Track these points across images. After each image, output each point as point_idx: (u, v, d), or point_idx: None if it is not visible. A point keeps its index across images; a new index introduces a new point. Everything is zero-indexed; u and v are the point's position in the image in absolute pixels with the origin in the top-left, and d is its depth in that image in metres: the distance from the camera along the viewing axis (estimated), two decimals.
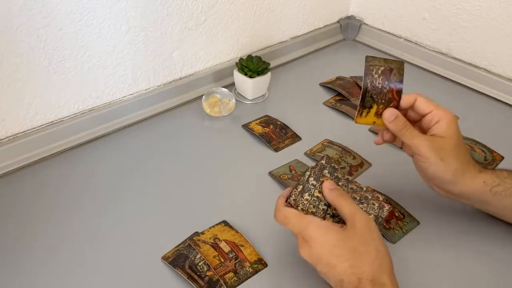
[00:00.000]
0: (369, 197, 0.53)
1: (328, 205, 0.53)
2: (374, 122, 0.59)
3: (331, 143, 0.79)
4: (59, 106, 0.75)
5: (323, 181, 0.53)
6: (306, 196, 0.53)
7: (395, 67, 0.57)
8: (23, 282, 0.56)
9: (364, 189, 0.54)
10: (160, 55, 0.84)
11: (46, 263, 0.58)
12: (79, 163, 0.74)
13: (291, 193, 0.53)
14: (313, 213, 0.52)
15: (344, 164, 0.74)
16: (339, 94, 0.94)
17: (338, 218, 0.53)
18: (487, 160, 0.76)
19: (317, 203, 0.53)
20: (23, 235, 0.62)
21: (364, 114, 0.58)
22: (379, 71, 0.57)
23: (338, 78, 0.99)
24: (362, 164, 0.75)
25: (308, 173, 0.54)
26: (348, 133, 0.83)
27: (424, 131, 0.58)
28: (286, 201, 0.54)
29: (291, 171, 0.73)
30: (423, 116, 0.58)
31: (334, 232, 0.49)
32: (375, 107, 0.57)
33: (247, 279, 0.56)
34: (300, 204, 0.53)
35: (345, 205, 0.50)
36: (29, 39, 0.67)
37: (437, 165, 0.55)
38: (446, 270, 0.59)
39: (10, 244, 0.60)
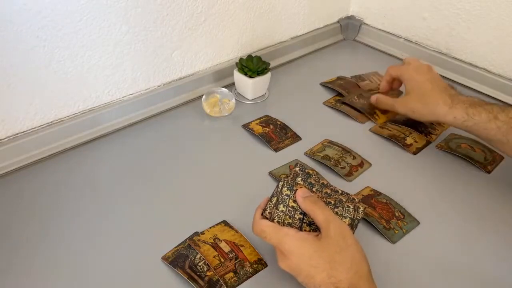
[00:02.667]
0: (344, 200, 0.54)
1: (304, 214, 0.53)
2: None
3: (331, 143, 0.79)
4: (59, 106, 0.75)
5: (296, 190, 0.53)
6: (281, 207, 0.53)
7: None
8: (23, 282, 0.56)
9: (339, 192, 0.55)
10: (160, 55, 0.84)
11: (46, 263, 0.58)
12: (79, 163, 0.74)
13: (266, 205, 0.54)
14: (289, 224, 0.53)
15: (344, 164, 0.74)
16: (339, 94, 0.94)
17: (315, 226, 0.53)
18: (487, 160, 0.76)
19: (292, 213, 0.53)
20: (23, 235, 0.61)
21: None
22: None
23: (338, 78, 0.99)
24: (362, 164, 0.75)
25: (281, 183, 0.54)
26: (348, 133, 0.83)
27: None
28: (262, 214, 0.54)
29: (291, 171, 0.73)
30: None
31: (310, 243, 0.49)
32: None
33: (247, 279, 0.56)
34: (276, 217, 0.53)
35: (320, 214, 0.51)
36: (29, 39, 0.67)
37: (414, 114, 0.77)
38: (446, 270, 0.59)
39: (10, 244, 0.60)
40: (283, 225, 0.53)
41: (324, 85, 0.97)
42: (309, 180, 0.54)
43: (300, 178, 0.55)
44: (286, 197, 0.54)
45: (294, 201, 0.53)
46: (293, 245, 0.50)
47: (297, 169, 0.55)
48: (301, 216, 0.53)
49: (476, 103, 0.69)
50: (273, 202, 0.54)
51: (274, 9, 0.99)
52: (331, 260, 0.48)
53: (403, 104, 0.78)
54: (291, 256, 0.50)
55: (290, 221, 0.53)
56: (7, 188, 0.69)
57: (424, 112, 0.74)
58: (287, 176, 0.54)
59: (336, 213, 0.53)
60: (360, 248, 0.50)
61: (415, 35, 1.07)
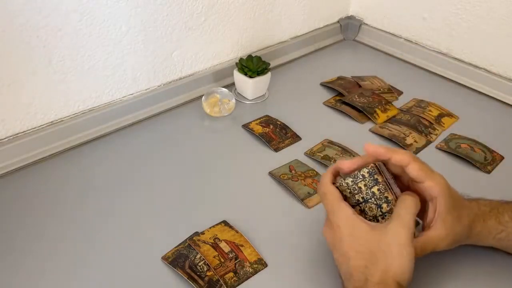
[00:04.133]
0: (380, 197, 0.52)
1: (366, 200, 0.52)
2: None
3: (331, 143, 0.79)
4: (59, 106, 0.75)
5: (377, 179, 0.52)
6: (348, 180, 0.52)
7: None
8: (23, 282, 0.56)
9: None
10: (160, 55, 0.84)
11: (46, 263, 0.58)
12: (79, 163, 0.74)
13: (341, 176, 0.53)
14: (345, 197, 0.52)
15: None
16: (339, 94, 0.94)
17: (369, 216, 0.52)
18: (487, 160, 0.76)
19: (356, 191, 0.52)
20: (23, 235, 0.61)
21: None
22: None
23: (339, 78, 0.99)
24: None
25: (367, 169, 0.52)
26: (348, 133, 0.83)
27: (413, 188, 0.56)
28: (334, 183, 0.53)
29: (291, 171, 0.73)
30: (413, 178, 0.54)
31: (362, 230, 0.49)
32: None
33: (247, 279, 0.56)
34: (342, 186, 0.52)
35: (400, 207, 0.50)
36: (29, 39, 0.67)
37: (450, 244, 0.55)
38: (446, 270, 0.59)
39: (10, 244, 0.60)
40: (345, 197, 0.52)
41: (324, 85, 0.97)
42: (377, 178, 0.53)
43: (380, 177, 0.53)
44: (361, 177, 0.52)
45: (365, 185, 0.52)
46: (345, 223, 0.49)
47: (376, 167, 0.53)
48: (361, 200, 0.52)
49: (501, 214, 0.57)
50: (350, 178, 0.52)
51: (274, 9, 0.99)
52: (375, 254, 0.47)
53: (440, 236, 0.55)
54: (338, 231, 0.49)
55: (349, 195, 0.52)
56: (7, 188, 0.69)
57: (458, 238, 0.56)
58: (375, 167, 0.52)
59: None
60: (408, 254, 0.48)
61: (415, 35, 1.07)
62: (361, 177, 0.52)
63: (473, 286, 0.58)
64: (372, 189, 0.52)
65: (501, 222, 0.56)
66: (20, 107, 0.71)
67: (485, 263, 0.59)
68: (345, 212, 0.50)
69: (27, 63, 0.68)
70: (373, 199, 0.52)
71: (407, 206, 0.50)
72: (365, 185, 0.52)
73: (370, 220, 0.52)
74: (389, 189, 0.52)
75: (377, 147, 0.53)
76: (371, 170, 0.52)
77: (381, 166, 0.53)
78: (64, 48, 0.71)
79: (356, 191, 0.52)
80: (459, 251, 0.60)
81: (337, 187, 0.52)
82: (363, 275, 0.47)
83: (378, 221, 0.52)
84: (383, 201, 0.52)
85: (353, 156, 0.76)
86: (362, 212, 0.53)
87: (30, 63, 0.68)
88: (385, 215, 0.52)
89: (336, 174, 0.55)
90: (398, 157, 0.52)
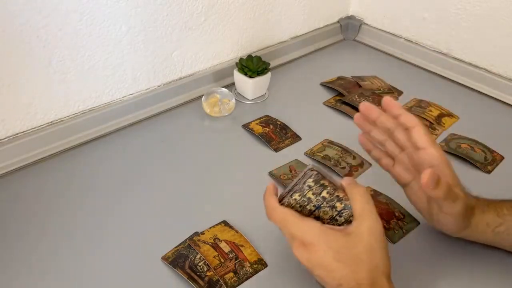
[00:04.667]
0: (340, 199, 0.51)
1: (317, 207, 0.50)
2: None
3: (331, 143, 0.79)
4: (59, 106, 0.75)
5: (323, 184, 0.51)
6: (295, 196, 0.50)
7: None
8: (23, 283, 0.56)
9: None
10: (160, 55, 0.84)
11: (46, 263, 0.58)
12: (79, 163, 0.74)
13: (283, 193, 0.51)
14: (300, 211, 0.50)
15: (344, 164, 0.74)
16: (339, 94, 0.94)
17: (327, 221, 0.51)
18: (487, 160, 0.76)
19: (306, 203, 0.50)
20: (23, 235, 0.61)
21: None
22: None
23: (339, 78, 0.99)
24: (362, 164, 0.75)
25: (309, 174, 0.51)
26: (348, 133, 0.83)
27: (412, 160, 0.56)
28: (280, 201, 0.51)
29: (291, 171, 0.73)
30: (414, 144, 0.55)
31: (337, 238, 0.47)
32: None
33: (247, 279, 0.56)
34: (288, 205, 0.50)
35: (358, 201, 0.49)
36: (29, 39, 0.67)
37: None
38: (446, 270, 0.59)
39: (10, 245, 0.60)
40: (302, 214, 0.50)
41: (324, 85, 0.97)
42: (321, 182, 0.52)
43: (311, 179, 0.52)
44: (307, 188, 0.50)
45: (313, 194, 0.50)
46: (319, 238, 0.47)
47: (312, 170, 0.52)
48: (313, 209, 0.50)
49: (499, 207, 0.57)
50: (288, 190, 0.51)
51: (274, 9, 0.99)
52: (358, 258, 0.47)
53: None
54: (313, 249, 0.47)
55: (299, 209, 0.50)
56: (7, 188, 0.69)
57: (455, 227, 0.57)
58: (313, 169, 0.52)
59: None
60: (386, 246, 0.48)
61: (415, 35, 1.07)
62: (307, 188, 0.50)
63: (470, 271, 0.58)
64: (321, 195, 0.50)
65: (500, 215, 0.56)
66: (20, 107, 0.71)
67: (483, 262, 0.59)
68: (314, 227, 0.48)
69: (27, 63, 0.68)
70: (325, 203, 0.50)
71: (362, 197, 0.49)
72: (313, 193, 0.50)
73: (328, 223, 0.51)
74: (336, 187, 0.51)
75: (393, 104, 0.55)
76: (315, 178, 0.50)
77: (320, 169, 0.51)
78: (64, 48, 0.71)
79: (306, 203, 0.50)
80: (457, 249, 0.60)
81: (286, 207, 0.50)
82: (354, 281, 0.46)
83: (336, 220, 0.51)
84: (335, 201, 0.50)
85: (353, 156, 0.76)
86: (318, 219, 0.51)
87: (30, 63, 0.68)
88: (342, 212, 0.51)
89: (276, 194, 0.52)
90: (407, 116, 0.54)
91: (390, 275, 0.48)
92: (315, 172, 0.50)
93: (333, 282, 0.47)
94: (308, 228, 0.48)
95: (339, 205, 0.51)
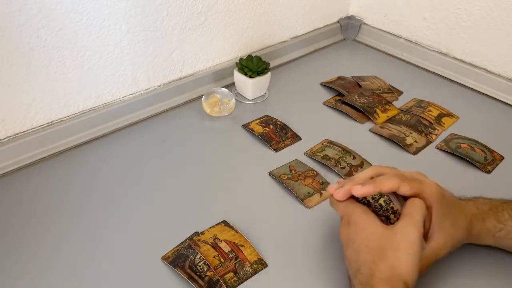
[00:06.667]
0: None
1: (375, 213, 0.53)
2: None
3: (331, 143, 0.79)
4: (59, 106, 0.75)
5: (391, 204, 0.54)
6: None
7: None
8: (23, 283, 0.56)
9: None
10: (160, 55, 0.84)
11: (47, 263, 0.58)
12: (79, 163, 0.74)
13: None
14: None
15: (344, 164, 0.74)
16: (339, 94, 0.94)
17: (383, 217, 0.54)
18: (487, 160, 0.76)
19: (366, 204, 0.54)
20: (23, 235, 0.61)
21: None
22: None
23: (339, 78, 0.99)
24: (362, 164, 0.75)
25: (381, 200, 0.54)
26: (348, 133, 0.83)
27: None
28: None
29: (291, 171, 0.73)
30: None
31: (374, 225, 0.50)
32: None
33: (247, 279, 0.56)
34: None
35: (409, 206, 0.52)
36: (29, 39, 0.67)
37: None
38: (445, 270, 0.59)
39: (10, 245, 0.60)
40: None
41: (324, 85, 0.97)
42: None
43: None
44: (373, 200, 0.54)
45: (372, 198, 0.54)
46: (360, 218, 0.51)
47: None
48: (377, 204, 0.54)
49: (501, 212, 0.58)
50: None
51: (274, 9, 0.99)
52: (384, 251, 0.48)
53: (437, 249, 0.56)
54: (353, 226, 0.51)
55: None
56: (7, 188, 0.69)
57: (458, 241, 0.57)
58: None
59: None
60: (417, 256, 0.48)
61: (415, 35, 1.07)
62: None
63: (473, 284, 0.58)
64: (379, 202, 0.54)
65: (501, 221, 0.56)
66: (20, 107, 0.71)
67: (485, 261, 0.59)
68: (361, 208, 0.52)
69: (27, 63, 0.68)
70: (381, 211, 0.54)
71: (416, 206, 0.51)
72: (372, 198, 0.54)
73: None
74: (394, 200, 0.54)
75: (365, 189, 0.52)
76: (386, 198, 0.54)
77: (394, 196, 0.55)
78: (64, 48, 0.71)
79: (365, 205, 0.54)
80: (457, 249, 0.60)
81: None
82: (370, 270, 0.48)
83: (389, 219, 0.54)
84: (390, 212, 0.53)
85: (353, 156, 0.76)
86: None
87: (30, 63, 0.68)
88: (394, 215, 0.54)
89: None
90: (386, 186, 0.52)
91: (410, 285, 0.47)
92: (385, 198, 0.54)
93: (356, 265, 0.50)
94: (356, 208, 0.53)
95: (392, 217, 0.54)
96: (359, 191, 0.52)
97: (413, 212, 0.51)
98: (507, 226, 0.56)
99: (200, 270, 0.56)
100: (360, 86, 0.96)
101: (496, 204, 0.58)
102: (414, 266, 0.48)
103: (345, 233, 0.52)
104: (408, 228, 0.49)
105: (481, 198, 0.59)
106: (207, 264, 0.56)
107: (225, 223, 0.63)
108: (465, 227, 0.55)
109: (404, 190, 0.52)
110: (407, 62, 1.08)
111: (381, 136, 0.82)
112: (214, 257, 0.57)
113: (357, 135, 0.83)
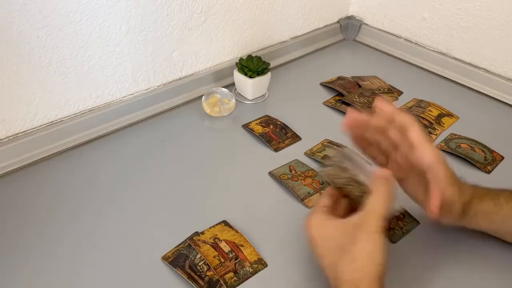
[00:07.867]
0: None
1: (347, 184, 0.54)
2: None
3: (331, 143, 0.79)
4: (59, 106, 0.75)
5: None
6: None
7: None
8: (23, 283, 0.56)
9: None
10: (160, 55, 0.84)
11: (46, 263, 0.58)
12: (79, 163, 0.74)
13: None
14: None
15: None
16: (339, 94, 0.94)
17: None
18: (487, 160, 0.76)
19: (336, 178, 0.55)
20: (23, 235, 0.61)
21: None
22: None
23: (339, 78, 0.99)
24: None
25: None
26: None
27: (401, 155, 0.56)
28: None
29: (291, 171, 0.73)
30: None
31: (330, 226, 0.51)
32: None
33: (247, 279, 0.56)
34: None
35: (375, 192, 0.51)
36: (29, 39, 0.67)
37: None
38: (446, 270, 0.59)
39: (10, 245, 0.60)
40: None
41: (324, 85, 0.97)
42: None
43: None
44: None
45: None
46: (315, 228, 0.51)
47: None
48: (342, 184, 0.55)
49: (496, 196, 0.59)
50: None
51: (274, 9, 0.99)
52: (343, 246, 0.48)
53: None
54: (313, 238, 0.51)
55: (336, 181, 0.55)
56: (7, 188, 0.69)
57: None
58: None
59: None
60: (378, 247, 0.47)
61: (415, 35, 1.07)
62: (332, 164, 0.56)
63: (469, 271, 0.58)
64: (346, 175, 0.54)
65: (497, 204, 0.58)
66: (20, 107, 0.71)
67: (484, 262, 0.60)
68: (314, 218, 0.52)
69: (27, 63, 0.68)
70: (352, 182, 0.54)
71: (378, 195, 0.50)
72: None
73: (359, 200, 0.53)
74: (360, 171, 0.54)
75: (387, 105, 0.54)
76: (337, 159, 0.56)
77: (346, 151, 0.56)
78: (64, 48, 0.71)
79: (336, 178, 0.55)
80: (457, 249, 0.60)
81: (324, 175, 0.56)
82: (334, 272, 0.48)
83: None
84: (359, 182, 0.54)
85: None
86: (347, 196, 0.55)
87: (30, 63, 0.68)
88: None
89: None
90: (403, 117, 0.53)
91: (377, 280, 0.46)
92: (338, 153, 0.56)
93: (324, 269, 0.50)
94: (310, 221, 0.52)
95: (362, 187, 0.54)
96: (379, 103, 0.55)
97: (373, 197, 0.50)
98: (503, 209, 0.57)
99: (200, 270, 0.56)
100: (360, 86, 0.96)
101: (492, 190, 0.59)
102: (380, 254, 0.47)
103: (312, 249, 0.52)
104: (364, 217, 0.49)
105: (477, 185, 0.60)
106: (207, 264, 0.56)
107: (225, 223, 0.63)
108: (469, 195, 0.56)
109: (414, 131, 0.52)
110: (407, 62, 1.08)
111: None
112: (214, 257, 0.57)
113: None
